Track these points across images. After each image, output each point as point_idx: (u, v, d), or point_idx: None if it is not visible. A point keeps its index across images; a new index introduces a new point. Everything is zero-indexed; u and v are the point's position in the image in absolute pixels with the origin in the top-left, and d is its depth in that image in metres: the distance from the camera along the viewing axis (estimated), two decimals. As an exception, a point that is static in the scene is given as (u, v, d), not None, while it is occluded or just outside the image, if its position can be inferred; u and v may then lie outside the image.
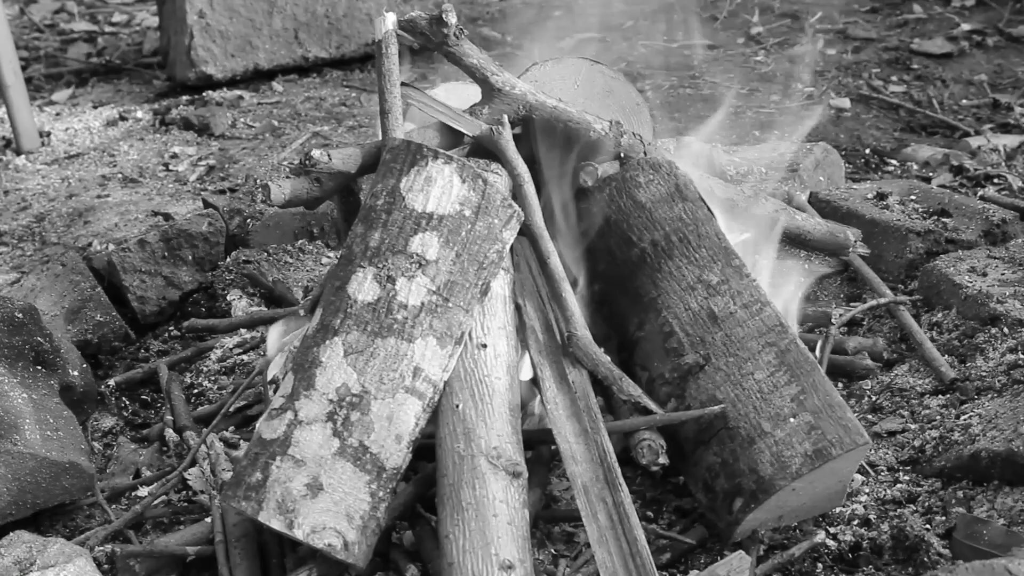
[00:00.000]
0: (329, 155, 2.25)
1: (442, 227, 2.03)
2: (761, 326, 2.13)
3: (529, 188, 2.24)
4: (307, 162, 2.24)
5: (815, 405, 2.03)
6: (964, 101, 4.71)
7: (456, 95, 2.47)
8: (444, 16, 2.27)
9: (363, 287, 2.00)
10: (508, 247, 2.14)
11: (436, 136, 2.33)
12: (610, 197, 2.31)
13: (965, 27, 5.49)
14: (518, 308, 2.25)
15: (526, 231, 2.22)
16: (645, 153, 2.42)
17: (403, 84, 2.32)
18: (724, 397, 2.08)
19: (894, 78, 4.97)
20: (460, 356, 2.06)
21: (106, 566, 2.12)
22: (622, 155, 2.41)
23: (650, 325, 2.21)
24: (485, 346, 2.09)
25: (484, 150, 2.32)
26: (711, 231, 2.25)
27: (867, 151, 4.22)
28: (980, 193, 3.73)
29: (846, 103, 4.65)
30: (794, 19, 5.85)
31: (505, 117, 2.30)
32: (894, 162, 4.15)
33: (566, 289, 2.19)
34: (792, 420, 2.02)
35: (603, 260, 2.32)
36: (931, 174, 3.97)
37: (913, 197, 3.21)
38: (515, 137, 2.35)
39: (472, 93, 2.43)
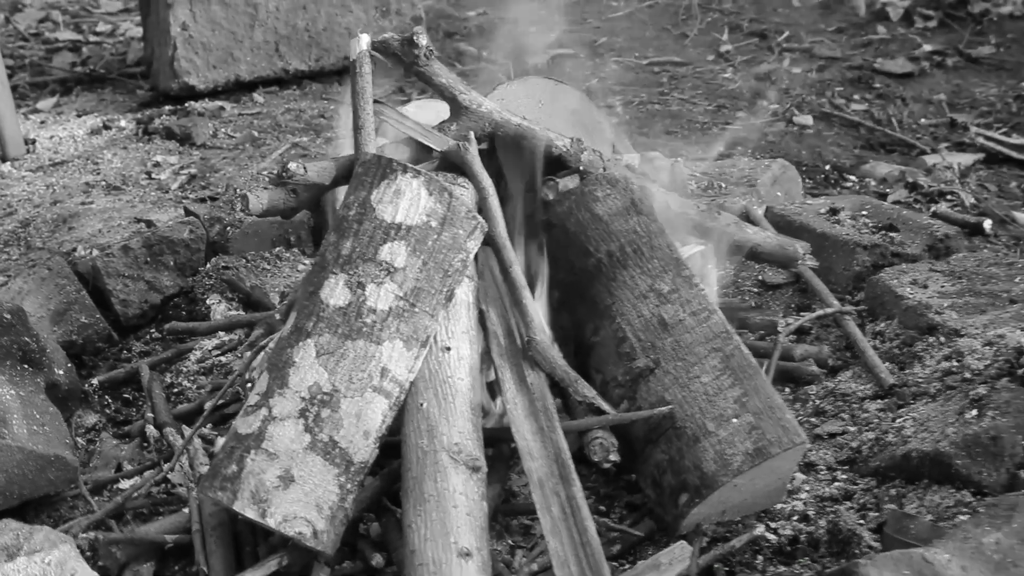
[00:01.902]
0: (305, 167, 2.39)
1: (410, 237, 2.16)
2: (708, 332, 2.26)
3: (493, 201, 2.38)
4: (284, 174, 2.38)
5: (756, 407, 2.16)
6: (923, 120, 4.88)
7: (427, 112, 2.60)
8: (415, 38, 2.41)
9: (335, 292, 2.13)
10: (472, 256, 2.28)
11: (407, 151, 2.47)
12: (569, 210, 2.44)
13: (927, 48, 5.66)
14: (482, 314, 2.39)
15: (490, 241, 2.36)
16: (604, 169, 2.55)
17: (376, 101, 2.45)
18: (672, 399, 2.20)
19: (856, 96, 5.14)
20: (425, 358, 2.19)
21: (89, 553, 2.21)
22: (582, 170, 2.54)
23: (605, 331, 2.35)
24: (449, 349, 2.23)
25: (452, 164, 2.46)
26: (663, 243, 2.39)
27: (827, 167, 4.38)
28: (932, 209, 3.90)
29: (809, 120, 4.81)
30: (762, 38, 6.02)
31: (471, 134, 2.44)
32: (853, 178, 4.31)
33: (526, 296, 2.33)
34: (735, 420, 2.15)
35: (563, 269, 2.45)
36: (888, 190, 4.13)
37: (864, 212, 3.36)
38: (483, 152, 2.50)
39: (442, 110, 2.56)
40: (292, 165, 2.36)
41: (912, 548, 1.94)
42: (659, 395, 2.22)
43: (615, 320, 2.33)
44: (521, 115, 2.54)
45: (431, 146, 2.45)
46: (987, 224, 3.69)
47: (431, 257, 2.17)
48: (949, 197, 4.03)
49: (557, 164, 2.56)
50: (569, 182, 2.51)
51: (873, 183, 4.22)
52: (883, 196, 4.04)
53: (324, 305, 2.13)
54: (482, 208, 2.38)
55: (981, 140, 4.56)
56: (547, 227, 2.47)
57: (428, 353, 2.20)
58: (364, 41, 2.43)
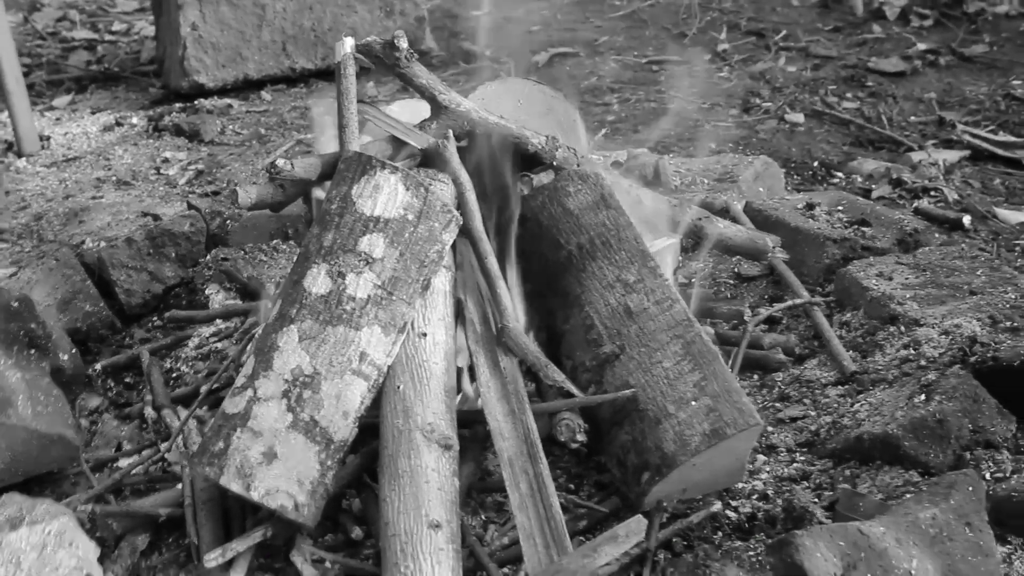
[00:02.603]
0: (292, 164, 2.52)
1: (388, 229, 2.29)
2: (671, 320, 2.38)
3: (470, 196, 2.51)
4: (272, 170, 2.52)
5: (715, 390, 2.27)
6: (912, 118, 4.98)
7: (409, 111, 2.74)
8: (396, 41, 2.54)
9: (317, 281, 2.27)
10: (447, 248, 2.41)
11: (389, 148, 2.60)
12: (543, 204, 2.57)
13: (920, 47, 5.76)
14: (460, 302, 2.52)
15: (467, 234, 2.49)
16: (578, 165, 2.68)
17: (360, 101, 2.59)
18: (636, 383, 2.32)
19: (849, 95, 5.25)
20: (403, 343, 2.32)
21: (88, 525, 2.33)
22: (556, 166, 2.67)
23: (574, 319, 2.47)
24: (425, 335, 2.36)
25: (433, 161, 2.59)
26: (630, 236, 2.52)
27: (815, 164, 4.49)
28: (915, 205, 4.01)
29: (800, 118, 4.92)
30: (760, 37, 6.13)
31: (450, 132, 2.57)
32: (840, 174, 4.42)
33: (501, 286, 2.46)
34: (694, 403, 2.26)
35: (536, 261, 2.58)
36: (873, 186, 4.24)
37: (840, 208, 3.48)
38: (462, 149, 2.63)
39: (424, 110, 2.70)
40: (280, 162, 2.50)
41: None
42: (624, 379, 2.34)
43: (584, 309, 2.45)
44: (499, 114, 2.67)
45: (412, 143, 2.58)
46: (966, 219, 3.81)
47: (408, 248, 2.31)
48: (933, 193, 4.14)
49: (533, 161, 2.69)
50: (544, 177, 2.64)
51: (859, 179, 4.33)
52: (868, 192, 4.15)
53: (307, 293, 2.26)
54: (460, 203, 2.51)
55: (968, 138, 4.66)
56: (522, 220, 2.60)
57: (405, 339, 2.33)
58: (348, 44, 2.57)
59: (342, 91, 2.56)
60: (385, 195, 2.31)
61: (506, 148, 2.64)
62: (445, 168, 2.55)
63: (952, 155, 4.52)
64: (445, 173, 2.55)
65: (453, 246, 2.53)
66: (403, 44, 2.53)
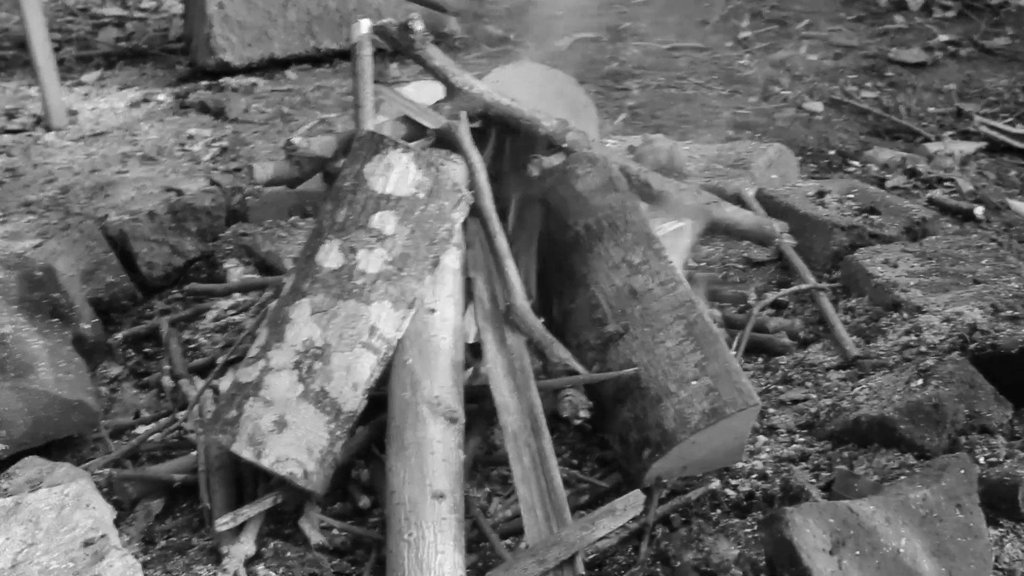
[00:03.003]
0: (308, 142, 2.59)
1: (399, 207, 2.35)
2: (674, 301, 2.43)
3: (481, 176, 2.57)
4: (289, 147, 2.58)
5: (715, 371, 2.32)
6: (931, 109, 5.00)
7: (425, 92, 2.79)
8: (411, 24, 2.60)
9: (329, 256, 2.33)
10: (457, 226, 2.47)
11: (403, 128, 2.66)
12: (552, 186, 2.62)
13: (942, 38, 5.77)
14: (470, 281, 2.58)
15: (477, 213, 2.55)
16: (589, 148, 2.74)
17: (376, 82, 2.65)
18: (639, 362, 2.37)
19: (868, 84, 5.27)
20: (412, 318, 2.38)
21: (105, 488, 2.41)
22: (566, 148, 2.73)
23: (580, 298, 2.53)
24: (434, 311, 2.42)
25: (446, 142, 2.65)
26: (637, 218, 2.57)
27: (832, 152, 4.52)
28: (928, 195, 4.04)
29: (819, 107, 4.95)
30: (782, 25, 6.15)
31: (463, 113, 2.63)
32: (856, 163, 4.45)
33: (509, 265, 2.51)
34: (694, 383, 2.31)
35: (543, 240, 2.64)
36: (888, 176, 4.27)
37: (851, 196, 3.52)
38: (476, 131, 2.69)
39: (439, 91, 2.76)
40: (296, 139, 2.57)
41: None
42: (627, 358, 2.39)
43: (589, 288, 2.51)
44: (511, 96, 2.72)
45: (425, 124, 2.64)
46: (979, 211, 3.84)
47: (418, 226, 2.37)
48: (947, 184, 4.16)
49: (544, 143, 2.75)
50: (554, 160, 2.69)
51: (875, 169, 4.36)
52: (883, 182, 4.18)
53: (319, 268, 2.32)
54: (471, 182, 2.57)
55: (985, 129, 4.68)
56: (531, 201, 2.65)
57: (414, 314, 2.39)
58: (364, 26, 2.63)
59: (358, 72, 2.62)
60: (397, 174, 2.36)
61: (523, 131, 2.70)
62: (457, 148, 2.60)
63: (968, 146, 4.54)
64: (457, 153, 2.61)
65: (464, 225, 2.59)
66: (418, 27, 2.59)
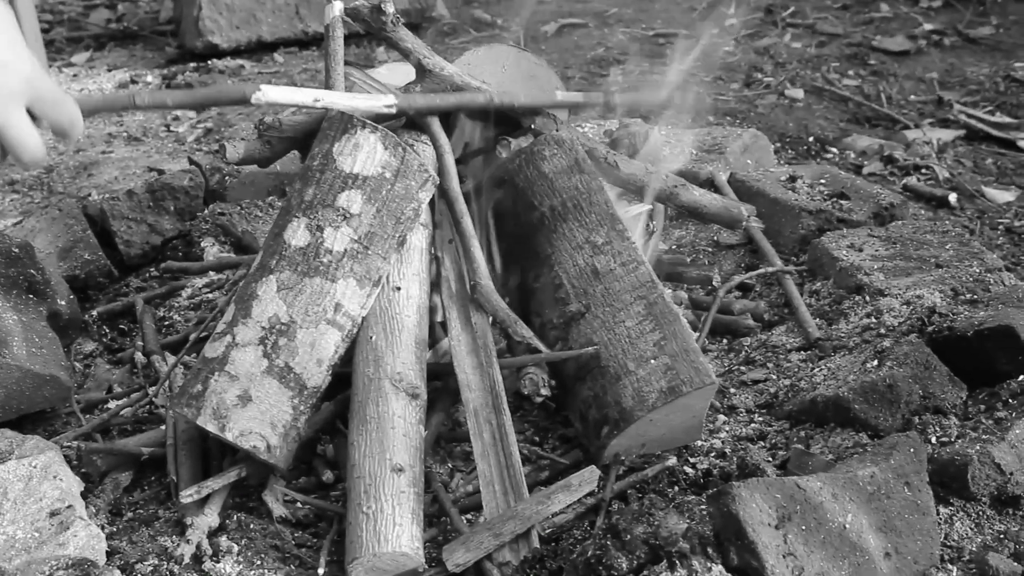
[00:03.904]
0: (280, 121, 2.63)
1: (366, 186, 2.39)
2: (635, 281, 2.47)
3: (448, 158, 2.60)
4: (260, 127, 2.62)
5: (673, 350, 2.36)
6: (912, 97, 5.04)
7: (396, 74, 2.83)
8: (383, 6, 2.63)
9: (296, 234, 2.36)
10: (424, 206, 2.50)
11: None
12: (519, 167, 2.66)
13: (927, 27, 5.81)
14: (437, 260, 2.63)
15: (444, 194, 2.59)
16: (556, 130, 2.77)
17: (346, 63, 2.69)
18: (599, 340, 2.41)
19: (851, 72, 5.30)
20: (377, 296, 2.43)
21: (75, 461, 2.47)
22: (534, 130, 2.76)
23: (544, 278, 2.56)
24: (399, 289, 2.46)
25: (416, 123, 2.69)
26: (601, 200, 2.60)
27: (811, 139, 4.56)
28: (904, 182, 4.08)
29: (800, 94, 4.99)
30: (768, 12, 6.18)
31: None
32: (834, 150, 4.49)
33: (474, 245, 2.55)
34: (653, 362, 2.35)
35: (510, 221, 2.67)
36: (865, 163, 4.31)
37: (823, 181, 3.56)
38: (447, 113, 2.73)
39: (411, 73, 2.79)
40: (268, 119, 2.61)
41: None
42: (588, 337, 2.43)
43: (553, 268, 2.55)
44: (482, 79, 2.76)
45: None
46: (952, 197, 3.89)
47: (384, 205, 2.40)
48: (924, 171, 4.20)
49: (513, 125, 2.78)
50: (522, 142, 2.73)
51: (852, 156, 4.40)
52: (859, 168, 4.23)
53: (286, 245, 2.36)
54: (439, 164, 2.60)
55: (964, 117, 4.72)
56: (499, 182, 2.69)
57: (380, 292, 2.43)
58: (337, 7, 2.66)
59: (330, 53, 2.66)
60: (364, 153, 2.40)
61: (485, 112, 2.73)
62: (426, 131, 2.64)
63: (947, 134, 4.58)
64: (425, 135, 2.65)
65: (432, 205, 2.63)
66: (389, 9, 2.62)
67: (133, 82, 5.40)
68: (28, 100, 1.86)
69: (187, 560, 2.15)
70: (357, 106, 2.50)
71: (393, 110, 2.58)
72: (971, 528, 2.20)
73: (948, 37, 5.70)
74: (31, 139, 1.92)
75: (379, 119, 2.68)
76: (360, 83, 2.70)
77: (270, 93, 2.39)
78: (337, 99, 2.49)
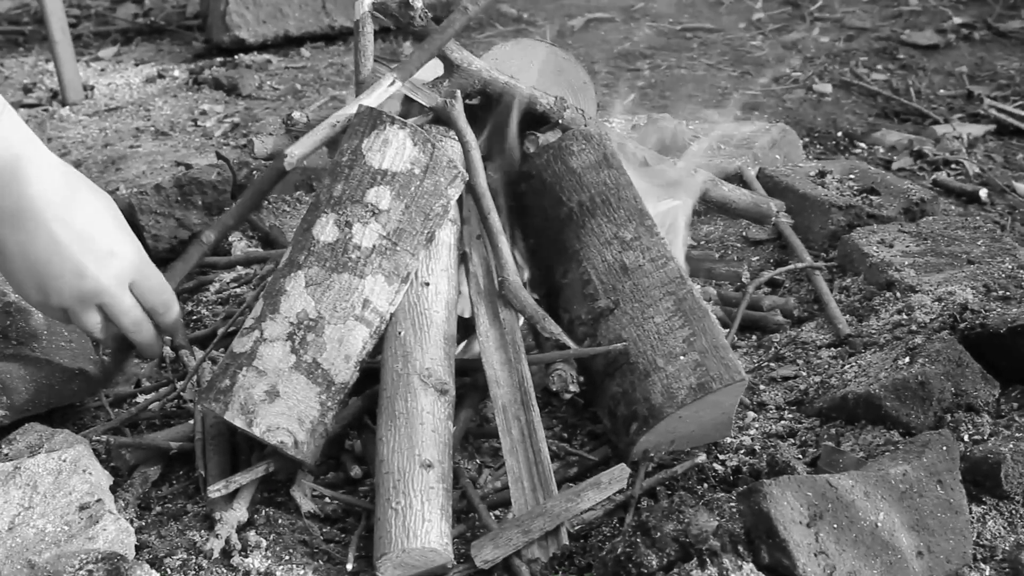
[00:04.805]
0: (308, 116, 2.62)
1: (394, 182, 2.39)
2: (664, 277, 2.46)
3: (475, 154, 2.59)
4: (288, 121, 2.62)
5: (703, 346, 2.35)
6: (941, 91, 5.00)
7: (426, 69, 2.82)
8: (411, 1, 2.63)
9: (325, 230, 2.36)
10: (453, 202, 2.50)
11: (399, 105, 2.69)
12: (547, 162, 2.65)
13: (956, 20, 5.76)
14: (465, 256, 2.62)
15: (471, 190, 2.58)
16: (585, 126, 2.76)
17: (376, 59, 2.68)
18: (628, 336, 2.40)
19: (879, 67, 5.26)
20: (406, 292, 2.42)
21: (104, 455, 2.48)
22: (563, 125, 2.76)
23: (572, 274, 2.56)
24: (428, 284, 2.46)
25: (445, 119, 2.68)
26: (630, 195, 2.59)
27: (839, 134, 4.53)
28: (933, 177, 4.06)
29: (828, 88, 4.96)
30: (795, 7, 6.14)
31: (458, 91, 2.65)
32: (863, 145, 4.46)
33: (502, 241, 2.54)
34: (682, 358, 2.34)
35: (538, 217, 2.67)
36: (894, 158, 4.28)
37: (852, 176, 3.54)
38: (475, 107, 2.72)
39: (439, 68, 2.79)
40: (296, 114, 2.61)
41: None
42: (617, 333, 2.43)
43: (582, 264, 2.54)
44: (509, 74, 2.75)
45: (420, 101, 2.67)
46: (983, 192, 3.86)
47: (413, 201, 2.40)
48: (954, 166, 4.18)
49: (542, 120, 2.78)
50: (550, 136, 2.72)
51: (881, 151, 4.37)
52: (889, 164, 4.20)
53: (315, 241, 2.36)
54: (466, 160, 2.60)
55: (994, 112, 4.68)
56: (527, 178, 2.68)
57: (408, 288, 2.43)
58: (366, 3, 2.66)
59: (359, 48, 2.66)
60: (393, 149, 2.39)
61: (513, 107, 2.72)
62: (452, 126, 2.63)
63: (977, 129, 4.54)
64: (452, 130, 2.64)
65: (460, 201, 2.62)
66: (418, 4, 2.62)
67: (160, 76, 5.42)
68: (133, 284, 1.95)
69: (216, 555, 2.15)
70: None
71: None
72: (1004, 527, 2.18)
73: (978, 31, 5.64)
74: (146, 323, 2.00)
75: (407, 113, 2.68)
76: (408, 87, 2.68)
77: (296, 150, 2.50)
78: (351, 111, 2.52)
